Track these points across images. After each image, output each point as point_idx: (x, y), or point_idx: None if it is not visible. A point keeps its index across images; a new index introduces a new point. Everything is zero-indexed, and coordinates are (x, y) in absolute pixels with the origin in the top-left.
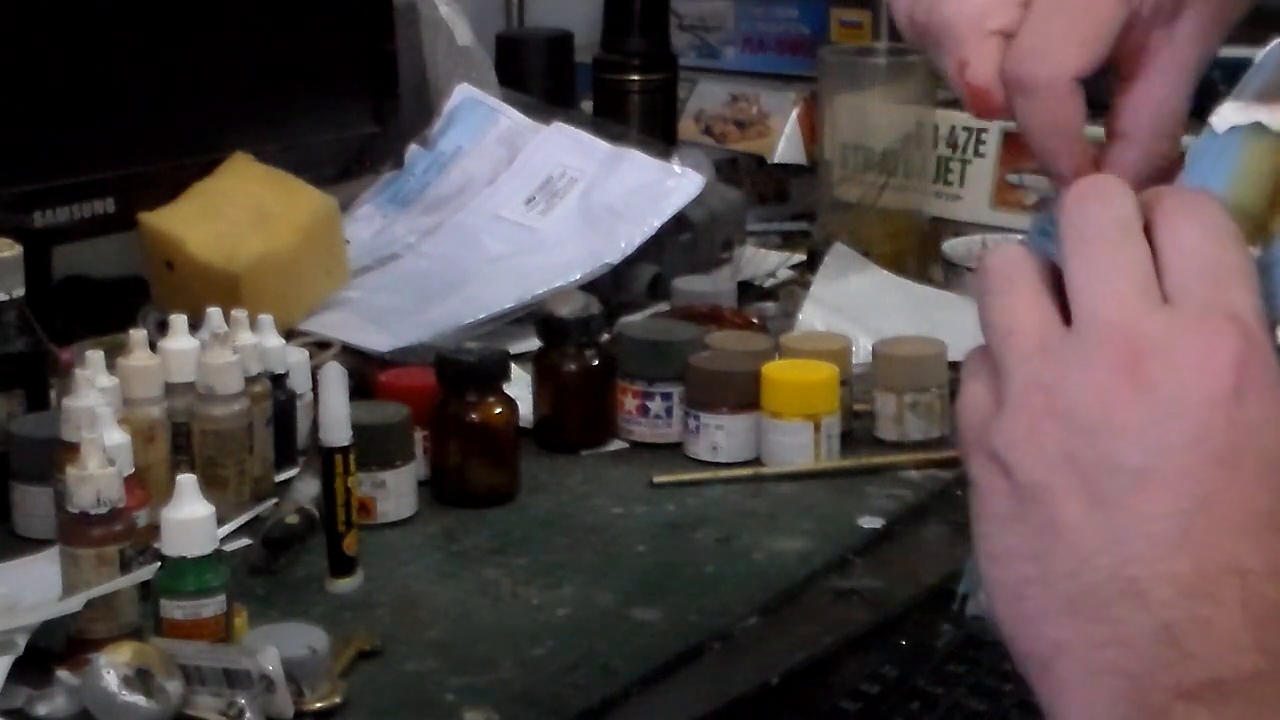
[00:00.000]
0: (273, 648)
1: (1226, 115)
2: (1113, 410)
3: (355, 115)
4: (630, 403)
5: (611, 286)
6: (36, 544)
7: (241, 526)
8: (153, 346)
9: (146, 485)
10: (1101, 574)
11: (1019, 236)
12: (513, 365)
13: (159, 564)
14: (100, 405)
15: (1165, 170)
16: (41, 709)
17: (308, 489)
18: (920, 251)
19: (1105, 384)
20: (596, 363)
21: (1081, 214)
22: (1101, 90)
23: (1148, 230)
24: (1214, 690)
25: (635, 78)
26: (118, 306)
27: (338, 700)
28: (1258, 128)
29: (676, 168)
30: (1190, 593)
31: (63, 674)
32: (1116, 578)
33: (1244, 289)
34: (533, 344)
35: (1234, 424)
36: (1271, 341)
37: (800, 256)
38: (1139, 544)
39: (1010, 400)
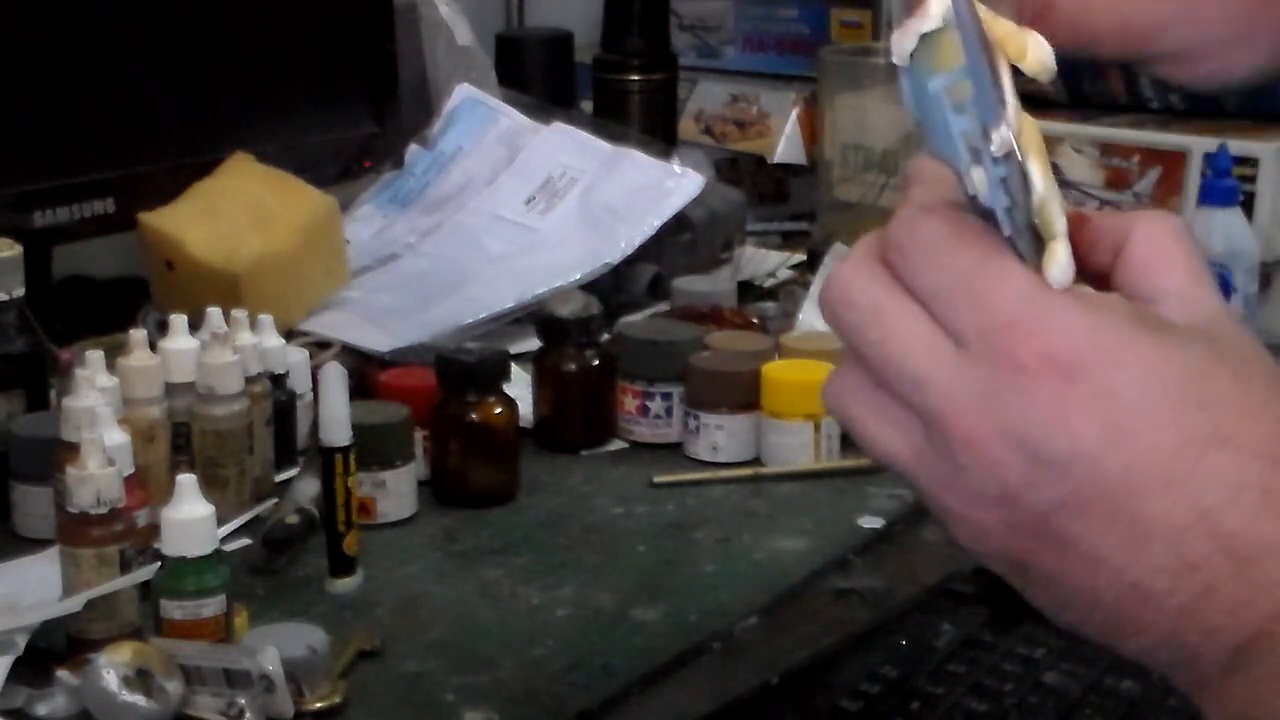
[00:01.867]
0: (273, 648)
1: (897, 46)
2: (998, 474)
3: (355, 115)
4: (630, 403)
5: (611, 286)
6: (36, 544)
7: (241, 526)
8: (153, 346)
9: (146, 485)
10: (1111, 595)
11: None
12: (513, 365)
13: (159, 564)
14: (100, 405)
15: None
16: (41, 709)
17: (308, 489)
18: None
19: (974, 460)
20: (596, 363)
21: (842, 328)
22: (1084, 86)
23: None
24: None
25: (635, 78)
26: (118, 306)
27: (338, 700)
28: (927, 38)
29: (676, 168)
30: (1182, 571)
31: (63, 674)
32: (1123, 593)
33: (994, 281)
34: (533, 344)
35: (1090, 408)
36: (963, 191)
37: (800, 256)
38: (1115, 557)
39: (934, 510)
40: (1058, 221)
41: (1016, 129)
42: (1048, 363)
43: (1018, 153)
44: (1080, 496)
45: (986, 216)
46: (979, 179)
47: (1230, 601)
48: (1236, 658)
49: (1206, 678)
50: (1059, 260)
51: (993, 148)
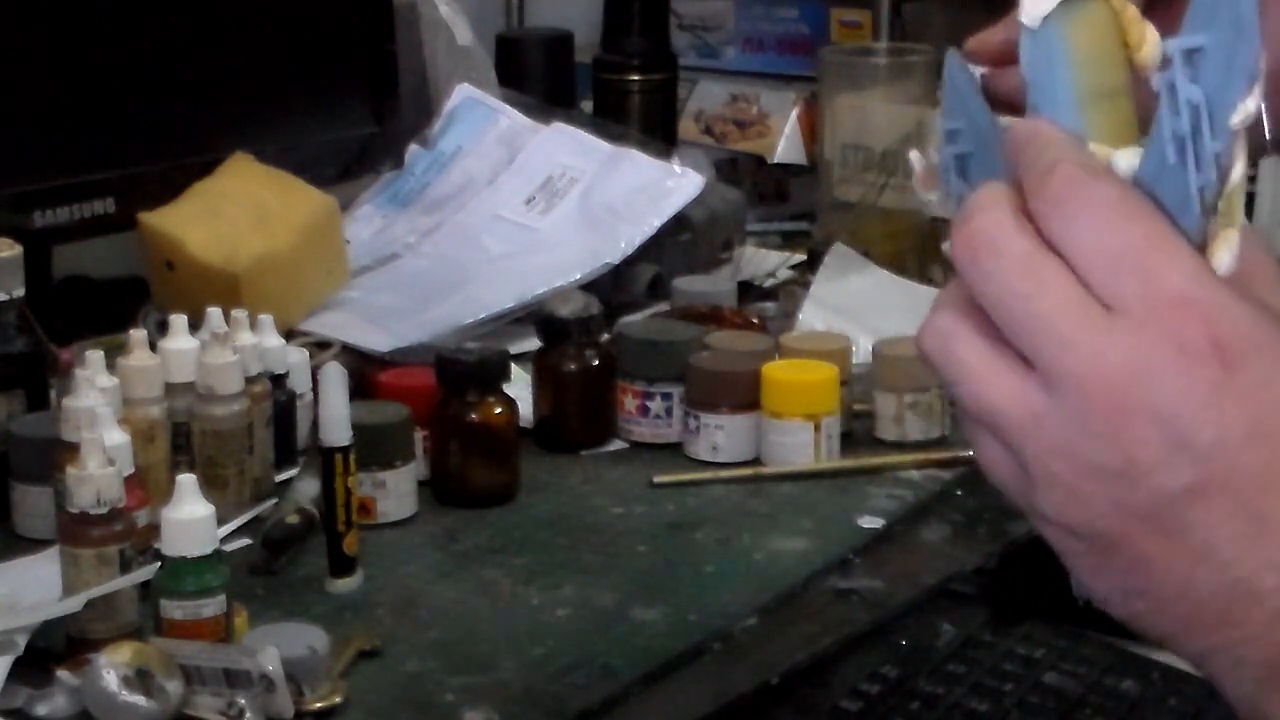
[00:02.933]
0: (273, 648)
1: (1031, 8)
2: (1131, 449)
3: (355, 115)
4: (630, 403)
5: (611, 286)
6: (36, 544)
7: (241, 526)
8: (153, 346)
9: (146, 485)
10: (1207, 588)
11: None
12: (513, 365)
13: (159, 564)
14: (100, 405)
15: None
16: (41, 709)
17: (308, 489)
18: (920, 251)
19: (1110, 430)
20: (596, 363)
21: (981, 275)
22: None
23: (1041, 233)
24: None
25: (635, 78)
26: (118, 306)
27: (338, 700)
28: (1065, 5)
29: (676, 168)
30: None
31: (63, 674)
32: (1222, 586)
33: (1167, 257)
34: (533, 344)
35: (1244, 400)
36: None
37: (800, 256)
38: (1227, 549)
39: (1034, 474)
40: (1240, 212)
41: (1256, 111)
42: (1214, 346)
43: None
44: (1211, 486)
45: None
46: (1131, 155)
47: None
48: None
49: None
50: (1234, 249)
51: (1235, 119)
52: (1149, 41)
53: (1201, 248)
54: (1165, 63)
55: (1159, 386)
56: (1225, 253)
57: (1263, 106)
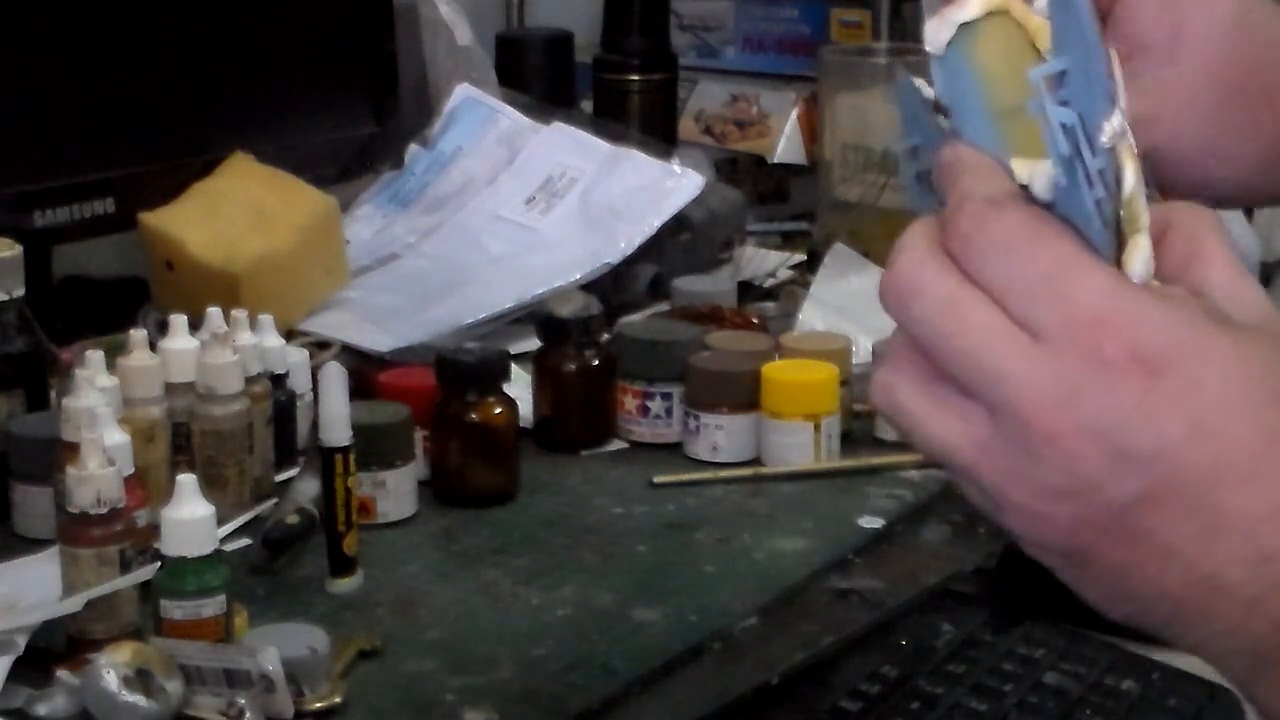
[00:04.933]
0: (273, 648)
1: (934, 37)
2: (1076, 467)
3: (355, 115)
4: (630, 403)
5: (611, 286)
6: (36, 544)
7: (241, 526)
8: (153, 346)
9: (146, 485)
10: (1179, 588)
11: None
12: (513, 365)
13: (159, 564)
14: (100, 405)
15: None
16: (41, 709)
17: (308, 489)
18: None
19: (1052, 452)
20: (596, 363)
21: (909, 319)
22: None
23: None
24: None
25: (635, 78)
26: (118, 306)
27: (338, 700)
28: (966, 28)
29: (676, 168)
30: (1259, 562)
31: (63, 674)
32: (1193, 584)
33: (1078, 276)
34: (533, 344)
35: (1176, 403)
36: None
37: (800, 256)
38: (1189, 549)
39: (995, 501)
40: (1143, 216)
41: (1125, 123)
42: (1134, 358)
43: (1122, 148)
44: (1161, 490)
45: (1044, 208)
46: (1044, 172)
47: None
48: None
49: (1268, 664)
50: (1144, 254)
51: (1103, 138)
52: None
53: (1116, 257)
54: (1035, 89)
55: (1090, 404)
56: (1136, 260)
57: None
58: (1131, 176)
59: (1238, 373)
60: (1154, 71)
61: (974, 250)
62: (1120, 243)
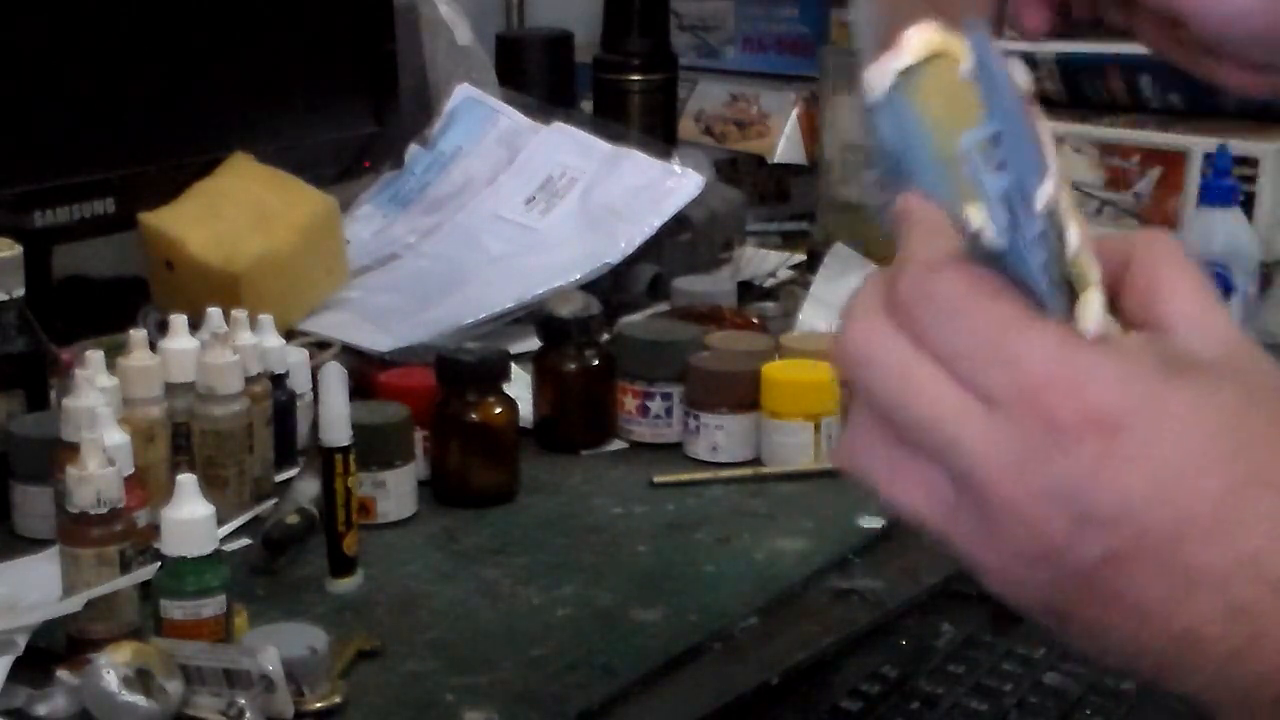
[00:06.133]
0: (273, 648)
1: (873, 85)
2: (1041, 532)
3: (355, 115)
4: (630, 403)
5: (611, 286)
6: (36, 544)
7: (241, 526)
8: (153, 346)
9: (146, 485)
10: (1157, 644)
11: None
12: (513, 365)
13: (159, 564)
14: (100, 405)
15: None
16: (41, 709)
17: (308, 489)
18: None
19: (1015, 518)
20: (596, 363)
21: (862, 386)
22: (1084, 86)
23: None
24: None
25: (635, 78)
26: (118, 306)
27: (338, 700)
28: (906, 74)
29: (676, 168)
30: (1231, 617)
31: (63, 674)
32: (1170, 640)
33: (1024, 339)
34: (533, 344)
35: (1133, 462)
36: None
37: (800, 256)
38: (1161, 608)
39: (971, 564)
40: (1092, 271)
41: (1058, 186)
42: (1087, 420)
43: (1060, 209)
44: (1127, 551)
45: (992, 260)
46: (989, 225)
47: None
48: None
49: (1258, 712)
50: (1094, 310)
51: (1037, 206)
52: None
53: (1068, 313)
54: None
55: (1046, 470)
56: (1087, 316)
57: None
58: (1075, 235)
59: (1197, 426)
60: None
61: (918, 319)
62: (1072, 298)
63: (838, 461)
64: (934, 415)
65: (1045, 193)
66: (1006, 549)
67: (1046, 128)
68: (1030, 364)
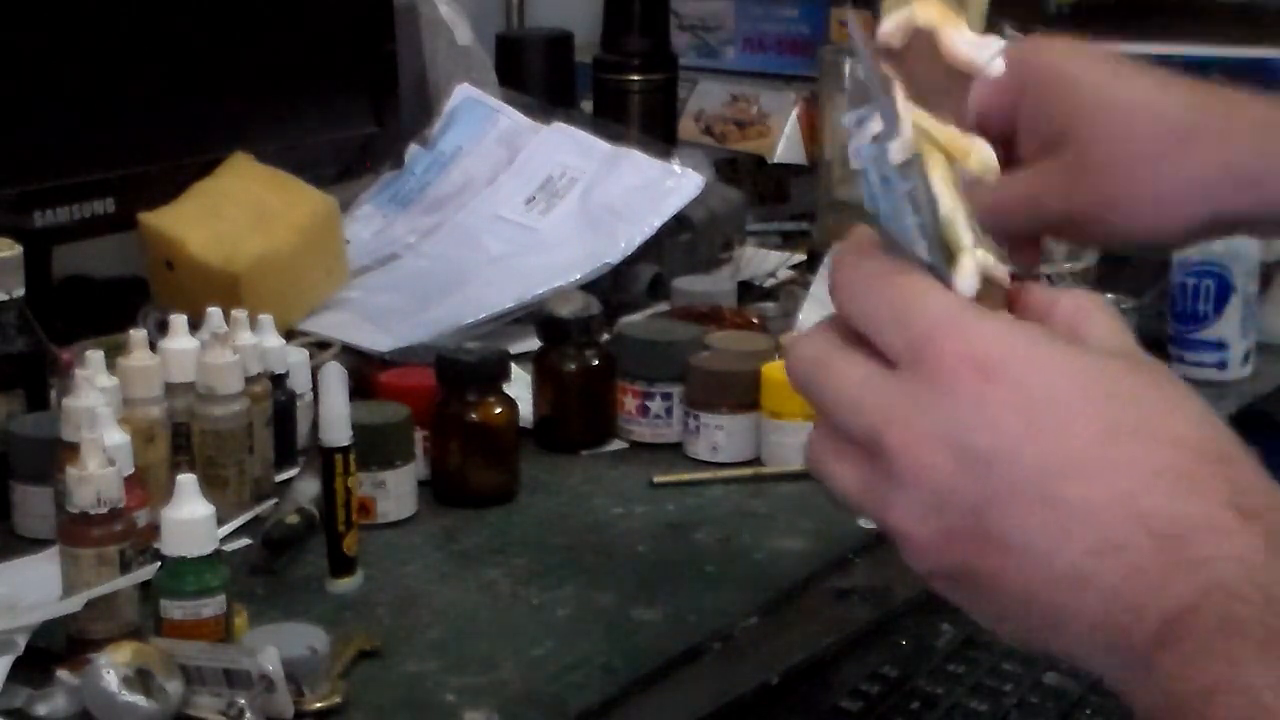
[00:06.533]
0: (273, 648)
1: (859, 155)
2: (932, 480)
3: (355, 115)
4: (630, 403)
5: (611, 286)
6: (36, 544)
7: (241, 526)
8: (153, 346)
9: (146, 485)
10: (1044, 589)
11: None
12: (513, 365)
13: (159, 564)
14: (100, 405)
15: None
16: (41, 709)
17: (308, 489)
18: None
19: (913, 471)
20: (596, 363)
21: (799, 386)
22: None
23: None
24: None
25: (635, 78)
26: (118, 306)
27: (338, 700)
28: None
29: (676, 168)
30: (1109, 551)
31: (63, 674)
32: (1054, 581)
33: (916, 301)
34: (533, 344)
35: (1008, 403)
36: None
37: (800, 256)
38: (1043, 543)
39: (895, 541)
40: (964, 236)
41: (912, 144)
42: (968, 363)
43: (919, 166)
44: (1006, 489)
45: (888, 238)
46: (865, 190)
47: (1156, 578)
48: (1163, 633)
49: (1137, 657)
50: (965, 271)
51: (891, 159)
52: (974, 151)
53: (948, 277)
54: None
55: (931, 412)
56: (959, 276)
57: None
58: (947, 200)
59: (1072, 374)
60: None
61: (840, 294)
62: (949, 262)
63: (806, 465)
64: (842, 387)
65: (897, 146)
66: (905, 506)
67: (905, 101)
68: (917, 318)
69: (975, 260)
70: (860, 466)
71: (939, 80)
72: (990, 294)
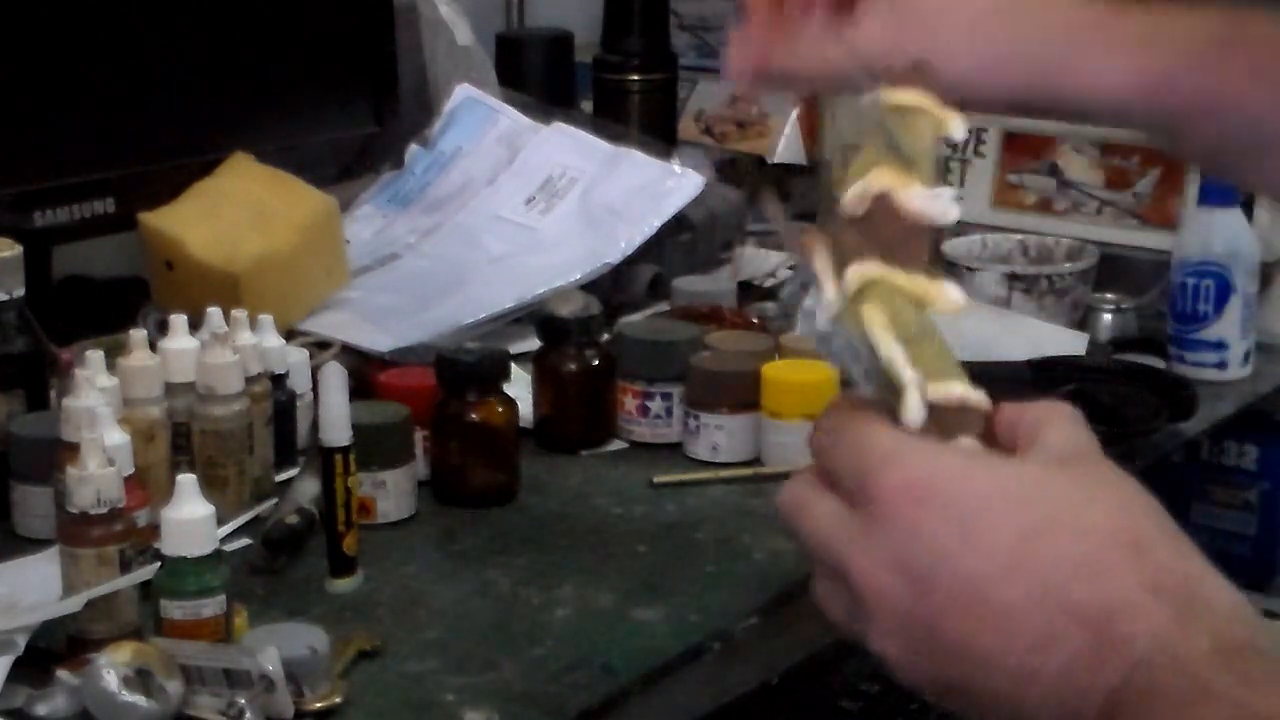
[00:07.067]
0: (273, 648)
1: (821, 314)
2: (885, 603)
3: (355, 115)
4: (630, 403)
5: (611, 286)
6: (36, 544)
7: (241, 526)
8: (153, 346)
9: (146, 485)
10: (1008, 688)
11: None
12: (513, 365)
13: (159, 564)
14: (100, 405)
15: None
16: (41, 709)
17: (308, 489)
18: None
19: (872, 597)
20: (596, 363)
21: (787, 527)
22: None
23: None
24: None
25: (635, 78)
26: (118, 306)
27: (338, 700)
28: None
29: (676, 168)
30: (1038, 649)
31: (63, 674)
32: (1009, 681)
33: (867, 443)
34: (533, 344)
35: (944, 519)
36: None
37: None
38: (989, 647)
39: (881, 658)
40: (904, 374)
41: (836, 306)
42: (903, 492)
43: (852, 320)
44: (949, 602)
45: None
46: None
47: (1091, 661)
48: (1106, 709)
49: None
50: (909, 406)
51: (819, 322)
52: (940, 295)
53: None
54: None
55: (881, 541)
56: (903, 411)
57: None
58: (884, 346)
59: (994, 487)
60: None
61: (816, 447)
62: (896, 399)
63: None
64: (814, 526)
65: (822, 311)
66: (878, 630)
67: (825, 268)
68: (865, 457)
69: (919, 395)
70: (841, 598)
71: (902, 234)
72: (965, 419)
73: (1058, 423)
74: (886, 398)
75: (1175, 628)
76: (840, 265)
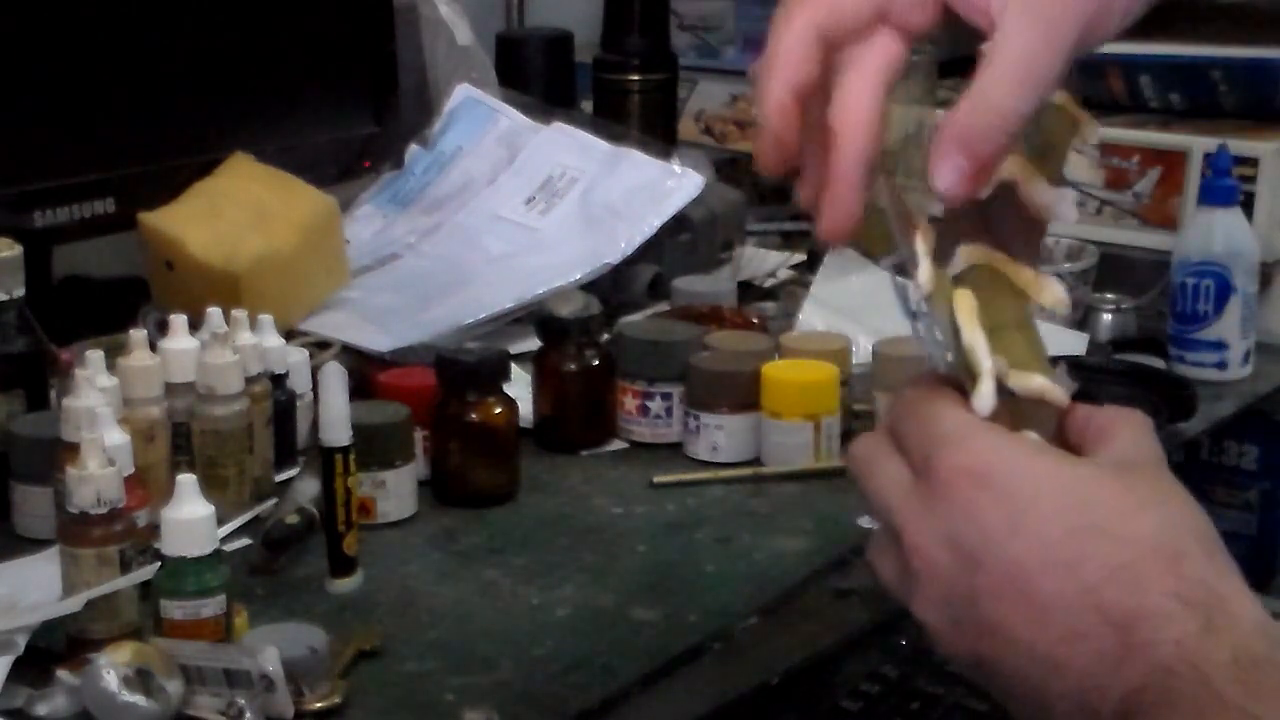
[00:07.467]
0: (273, 648)
1: (914, 291)
2: (938, 575)
3: (355, 115)
4: (630, 403)
5: (611, 286)
6: (36, 544)
7: (241, 526)
8: (153, 346)
9: (146, 485)
10: (1038, 674)
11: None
12: (513, 365)
13: (159, 564)
14: (100, 405)
15: None
16: (41, 709)
17: (308, 489)
18: None
19: (925, 568)
20: (596, 363)
21: (858, 485)
22: (1084, 86)
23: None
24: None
25: (635, 78)
26: (118, 306)
27: (338, 700)
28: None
29: (676, 168)
30: (1077, 639)
31: (63, 674)
32: (1038, 666)
33: (936, 421)
34: (533, 344)
35: (996, 505)
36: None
37: (800, 256)
38: (1024, 633)
39: (926, 630)
40: (983, 363)
41: (929, 286)
42: (964, 474)
43: (941, 301)
44: (993, 583)
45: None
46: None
47: (1114, 662)
48: (1122, 709)
49: None
50: (981, 393)
51: (912, 299)
52: (1046, 288)
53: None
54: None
55: (936, 515)
56: (975, 398)
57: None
58: (968, 331)
59: (1054, 481)
60: None
61: (892, 418)
62: (971, 384)
63: (867, 555)
64: (880, 487)
65: (916, 292)
66: (923, 598)
67: (924, 250)
68: (933, 433)
69: (992, 384)
70: (895, 560)
71: (1019, 225)
72: (1040, 413)
73: (1127, 429)
74: (964, 382)
75: (1199, 639)
76: (943, 249)
